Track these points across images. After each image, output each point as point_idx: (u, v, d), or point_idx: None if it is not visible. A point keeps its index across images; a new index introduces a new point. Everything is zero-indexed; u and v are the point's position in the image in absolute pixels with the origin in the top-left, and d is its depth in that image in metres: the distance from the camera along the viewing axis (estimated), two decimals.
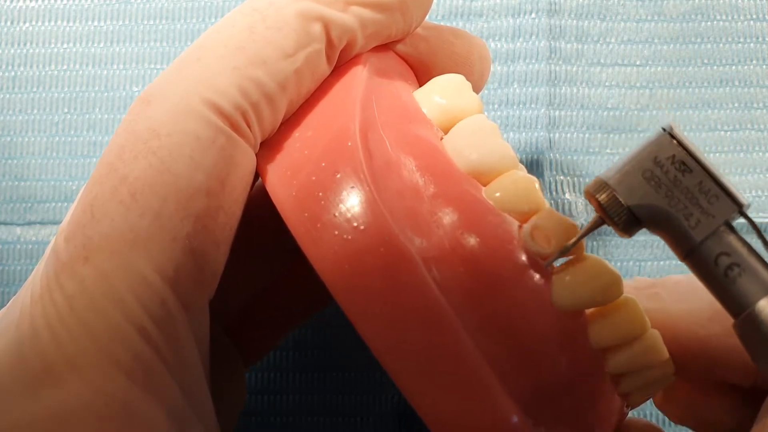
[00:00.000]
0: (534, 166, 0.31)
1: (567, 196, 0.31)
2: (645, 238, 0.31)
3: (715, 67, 0.32)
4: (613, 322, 0.20)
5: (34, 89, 0.32)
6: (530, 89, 0.31)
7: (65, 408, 0.17)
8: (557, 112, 0.31)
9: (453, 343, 0.18)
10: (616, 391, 0.21)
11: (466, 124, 0.20)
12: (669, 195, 0.18)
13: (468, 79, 0.22)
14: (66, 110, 0.32)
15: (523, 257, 0.19)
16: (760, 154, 0.31)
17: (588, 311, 0.20)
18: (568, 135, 0.31)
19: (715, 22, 0.32)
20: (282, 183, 0.19)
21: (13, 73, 0.32)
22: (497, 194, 0.19)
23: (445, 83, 0.21)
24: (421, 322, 0.18)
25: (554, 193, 0.31)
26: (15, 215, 0.31)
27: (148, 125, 0.18)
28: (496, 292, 0.18)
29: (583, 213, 0.31)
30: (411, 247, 0.18)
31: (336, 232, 0.18)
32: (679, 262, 0.30)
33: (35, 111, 0.32)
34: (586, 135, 0.31)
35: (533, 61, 0.31)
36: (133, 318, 0.17)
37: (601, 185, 0.19)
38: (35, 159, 0.31)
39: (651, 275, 0.31)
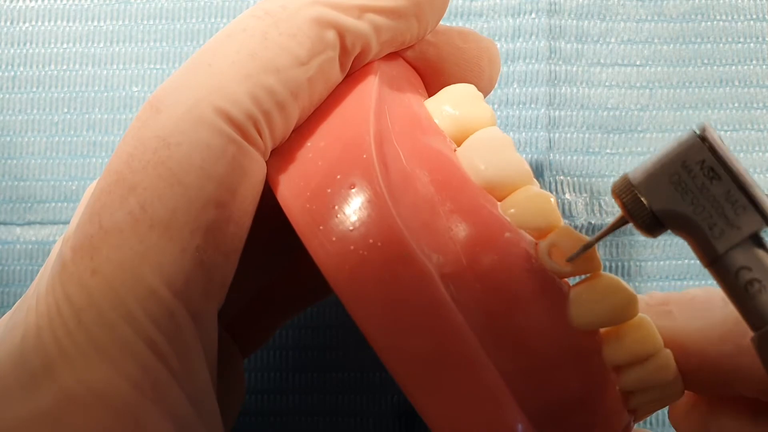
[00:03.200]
0: (534, 166, 0.31)
1: (567, 196, 0.31)
2: (645, 238, 0.31)
3: (715, 67, 0.32)
4: (627, 341, 0.20)
5: (34, 89, 0.32)
6: (530, 89, 0.31)
7: (72, 422, 0.17)
8: (557, 112, 0.31)
9: (467, 356, 0.18)
10: (625, 407, 0.21)
11: (480, 136, 0.20)
12: (694, 202, 0.18)
13: (477, 83, 0.22)
14: (66, 110, 0.32)
15: (540, 275, 0.19)
16: (760, 154, 0.31)
17: (602, 330, 0.20)
18: (568, 135, 0.31)
19: (715, 22, 0.32)
20: (294, 194, 0.18)
21: (12, 73, 0.32)
22: (512, 210, 0.19)
23: (457, 93, 0.21)
24: (439, 339, 0.17)
25: (554, 193, 0.31)
26: (15, 215, 0.31)
27: (158, 133, 0.18)
28: (512, 308, 0.18)
29: (583, 213, 0.31)
30: (428, 264, 0.18)
31: (352, 248, 0.17)
32: (680, 262, 0.31)
33: (35, 111, 0.32)
34: (586, 135, 0.31)
35: (533, 61, 0.31)
36: (141, 331, 0.17)
37: (627, 186, 0.18)
38: (35, 159, 0.31)
39: (651, 275, 0.31)
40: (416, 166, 0.19)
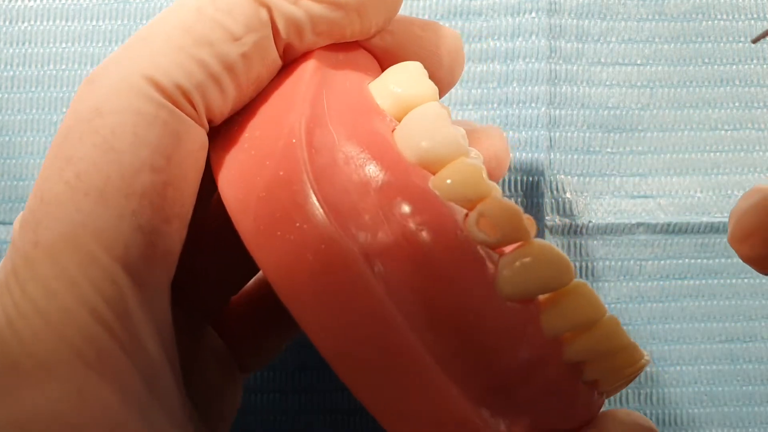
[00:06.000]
0: (534, 165, 0.31)
1: (567, 195, 0.31)
2: (646, 237, 0.31)
3: (715, 67, 0.32)
4: (564, 308, 0.19)
5: (33, 89, 0.32)
6: (530, 88, 0.31)
7: (15, 392, 0.17)
8: (557, 111, 0.31)
9: (395, 340, 0.17)
10: (579, 379, 0.20)
11: (416, 112, 0.20)
12: None
13: (436, 73, 0.22)
14: (65, 110, 0.31)
15: (468, 246, 0.18)
16: (761, 153, 0.31)
17: (541, 299, 0.19)
18: (569, 134, 0.31)
19: (715, 22, 0.32)
20: (230, 184, 0.19)
21: (11, 73, 0.32)
22: (444, 183, 0.19)
23: (401, 72, 0.21)
24: (364, 321, 0.17)
25: (555, 192, 0.31)
26: (14, 215, 0.31)
27: (92, 105, 0.18)
28: (441, 283, 0.18)
29: (584, 212, 0.31)
30: (354, 244, 0.18)
31: (279, 233, 0.18)
32: (681, 261, 0.31)
33: (34, 111, 0.31)
34: (587, 134, 0.31)
35: (533, 60, 0.31)
36: (84, 299, 0.17)
37: None
38: (34, 159, 0.31)
39: (652, 275, 0.31)
40: (349, 148, 0.19)
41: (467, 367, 0.18)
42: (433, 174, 0.19)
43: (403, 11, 0.31)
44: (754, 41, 0.20)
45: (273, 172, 0.18)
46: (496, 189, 0.19)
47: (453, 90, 0.31)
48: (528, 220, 0.19)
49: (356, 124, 0.20)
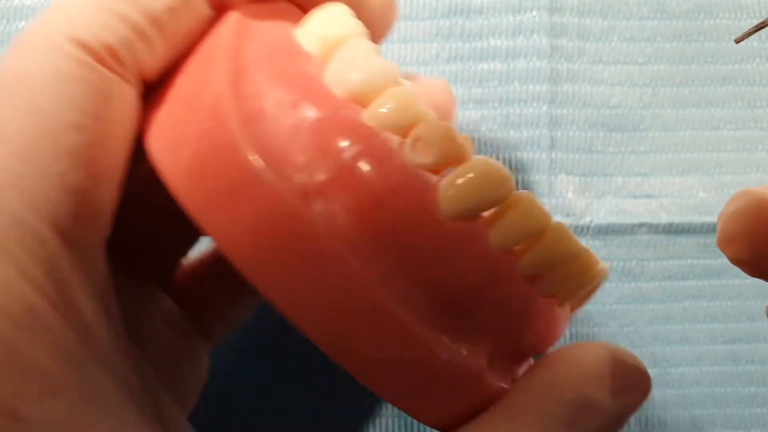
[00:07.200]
0: (535, 164, 0.31)
1: (569, 195, 0.31)
2: (648, 237, 0.30)
3: (718, 66, 0.31)
4: (507, 220, 0.19)
5: None
6: (531, 87, 0.31)
7: None
8: (559, 110, 0.31)
9: (342, 273, 0.17)
10: (536, 293, 0.20)
11: (344, 48, 0.20)
12: None
13: (367, 20, 0.22)
14: None
15: (407, 171, 0.18)
16: (764, 153, 0.31)
17: (486, 215, 0.19)
18: (570, 133, 0.31)
19: (718, 20, 0.32)
20: (159, 144, 0.19)
21: None
22: (377, 113, 0.19)
23: (324, 14, 0.21)
24: (306, 260, 0.17)
25: (556, 191, 0.30)
26: None
27: (16, 70, 0.18)
28: (384, 212, 0.18)
29: (586, 213, 0.30)
30: (290, 186, 0.18)
31: (208, 183, 0.18)
32: (683, 262, 0.30)
33: None
34: (589, 133, 0.31)
35: (534, 59, 0.31)
36: (12, 259, 0.17)
37: None
38: None
39: (654, 275, 0.30)
40: (277, 92, 0.19)
41: (420, 294, 0.18)
42: (366, 106, 0.19)
43: (402, 8, 0.31)
44: (738, 40, 0.20)
45: (199, 127, 0.18)
46: (430, 113, 0.19)
47: (453, 89, 0.31)
48: (464, 139, 0.19)
49: (281, 68, 0.20)
